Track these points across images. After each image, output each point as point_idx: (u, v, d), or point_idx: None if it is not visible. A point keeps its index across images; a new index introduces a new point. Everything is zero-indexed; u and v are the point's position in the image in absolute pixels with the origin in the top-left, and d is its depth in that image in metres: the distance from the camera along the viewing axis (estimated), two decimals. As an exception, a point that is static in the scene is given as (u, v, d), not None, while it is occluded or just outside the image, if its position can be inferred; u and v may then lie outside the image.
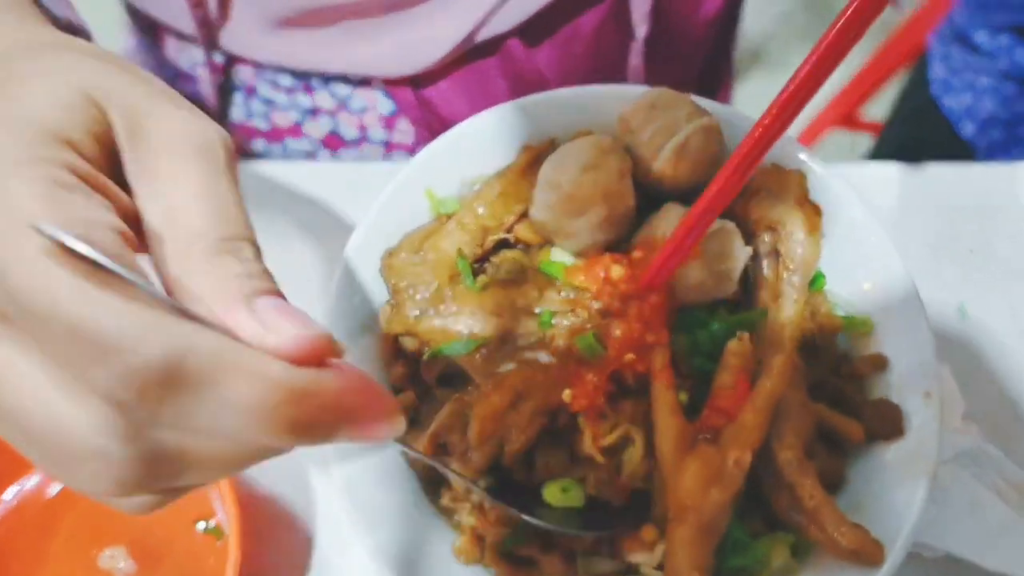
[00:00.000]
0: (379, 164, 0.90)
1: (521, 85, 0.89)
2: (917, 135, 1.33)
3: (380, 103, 0.90)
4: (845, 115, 1.82)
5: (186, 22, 0.84)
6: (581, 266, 0.62)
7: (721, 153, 0.64)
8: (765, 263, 0.64)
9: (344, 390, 0.30)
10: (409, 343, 0.64)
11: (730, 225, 0.63)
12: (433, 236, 0.65)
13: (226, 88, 0.93)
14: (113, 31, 0.98)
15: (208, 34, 0.85)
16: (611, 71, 0.94)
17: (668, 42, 0.95)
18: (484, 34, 0.83)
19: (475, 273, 0.65)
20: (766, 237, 0.64)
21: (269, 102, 0.92)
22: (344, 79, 0.89)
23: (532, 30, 0.85)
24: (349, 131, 0.93)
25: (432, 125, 0.91)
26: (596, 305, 0.60)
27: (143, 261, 0.33)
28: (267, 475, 0.72)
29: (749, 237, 0.64)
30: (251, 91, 0.92)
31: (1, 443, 0.34)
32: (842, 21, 0.44)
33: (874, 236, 0.65)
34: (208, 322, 0.30)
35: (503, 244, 0.66)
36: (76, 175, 0.31)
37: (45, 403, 0.30)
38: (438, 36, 0.82)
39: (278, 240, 0.82)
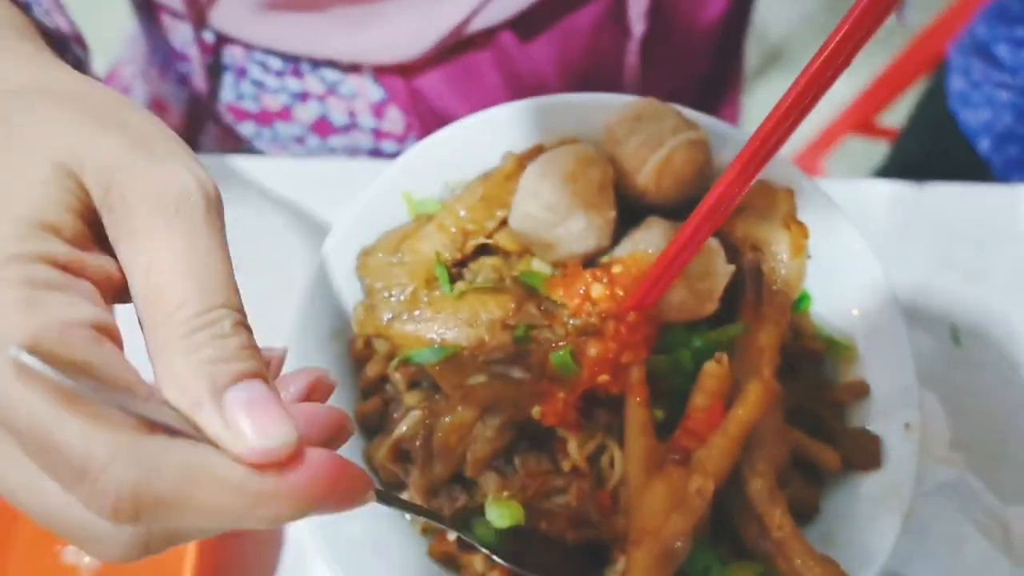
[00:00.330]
0: (367, 162, 0.88)
1: (514, 80, 0.87)
2: (931, 148, 1.30)
3: (370, 90, 0.89)
4: (862, 122, 1.78)
5: None
6: (561, 279, 0.61)
7: (707, 168, 0.62)
8: (748, 283, 0.62)
9: (310, 485, 0.31)
10: (380, 346, 0.63)
11: (713, 243, 0.61)
12: (411, 237, 0.64)
13: (216, 68, 0.92)
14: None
15: (197, 12, 0.84)
16: (607, 69, 0.92)
17: (667, 43, 0.93)
18: (476, 26, 0.81)
19: (453, 278, 0.63)
20: (750, 256, 0.62)
21: (259, 84, 0.91)
22: (333, 64, 0.88)
23: (526, 24, 0.83)
24: (338, 117, 0.92)
25: (422, 115, 0.90)
26: (574, 322, 0.59)
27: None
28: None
29: (733, 255, 0.63)
30: (241, 72, 0.91)
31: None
32: (839, 36, 0.42)
33: (863, 259, 0.63)
34: (176, 428, 0.30)
35: (483, 250, 0.65)
36: (56, 265, 0.30)
37: (40, 495, 0.31)
38: (427, 26, 0.80)
39: (262, 236, 0.81)
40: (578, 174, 0.59)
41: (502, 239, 0.64)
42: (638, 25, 0.88)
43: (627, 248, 0.61)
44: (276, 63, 0.89)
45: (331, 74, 0.89)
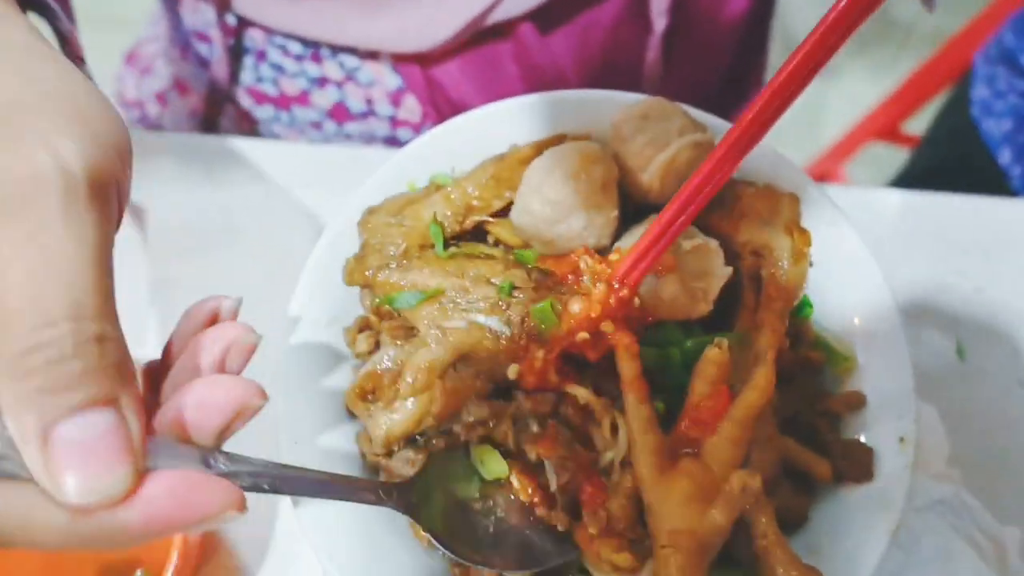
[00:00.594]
0: (377, 150, 0.89)
1: (533, 72, 0.87)
2: (952, 157, 1.28)
3: (388, 78, 0.89)
4: (885, 128, 1.76)
5: None
6: (553, 256, 0.60)
7: (712, 170, 0.62)
8: (746, 287, 0.62)
9: (144, 520, 0.30)
10: (367, 298, 0.62)
11: (713, 243, 0.61)
12: (416, 203, 0.63)
13: (237, 50, 0.92)
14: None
15: (220, -6, 0.85)
16: (627, 64, 0.92)
17: (689, 38, 0.92)
18: (495, 17, 0.81)
19: (447, 246, 0.63)
20: (750, 261, 0.62)
21: (278, 68, 0.92)
22: (352, 51, 0.88)
23: (546, 17, 0.83)
24: (356, 104, 0.92)
25: (439, 105, 0.90)
26: (597, 292, 0.58)
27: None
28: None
29: (734, 258, 0.62)
30: (261, 55, 0.92)
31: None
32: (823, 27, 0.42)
33: (866, 269, 0.62)
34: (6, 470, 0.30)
35: (477, 235, 0.64)
36: None
37: None
38: (447, 16, 0.81)
39: (269, 219, 0.82)
40: (582, 172, 0.59)
41: (503, 233, 0.64)
42: (660, 20, 0.87)
43: (627, 242, 0.61)
44: (296, 47, 0.89)
45: (350, 60, 0.89)
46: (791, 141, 2.02)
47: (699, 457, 0.54)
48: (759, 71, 1.13)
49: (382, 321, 0.60)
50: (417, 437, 0.60)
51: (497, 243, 0.65)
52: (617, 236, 0.62)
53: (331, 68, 0.90)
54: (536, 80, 0.88)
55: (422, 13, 0.80)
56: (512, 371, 0.56)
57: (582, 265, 0.58)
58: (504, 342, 0.56)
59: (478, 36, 0.84)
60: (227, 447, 0.37)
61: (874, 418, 0.61)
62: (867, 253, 0.62)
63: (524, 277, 0.58)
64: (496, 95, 0.74)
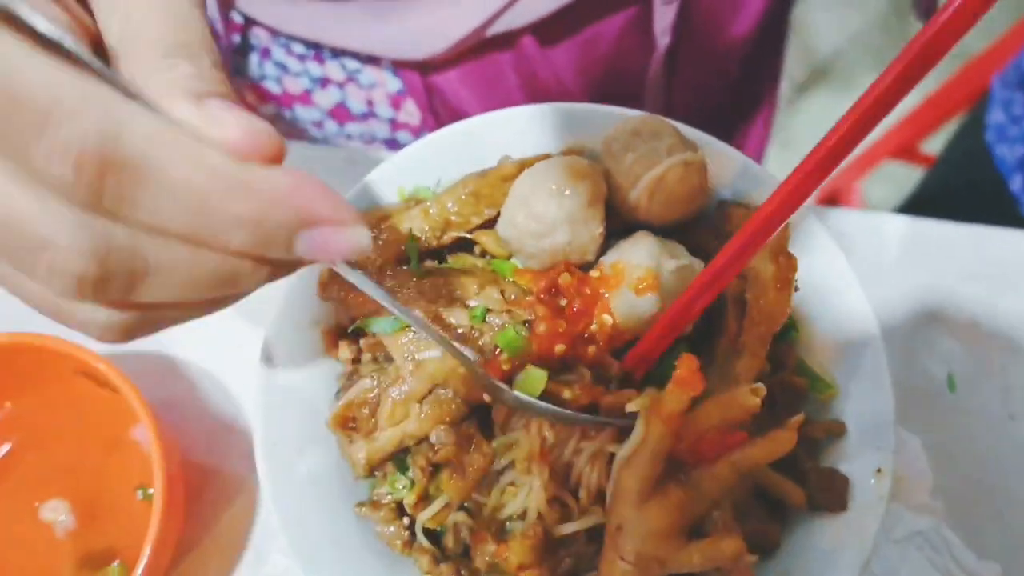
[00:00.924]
0: (373, 153, 0.89)
1: (533, 84, 0.87)
2: (963, 180, 1.26)
3: (388, 81, 0.89)
4: (902, 146, 1.74)
5: None
6: (531, 272, 0.60)
7: (701, 190, 0.61)
8: (730, 310, 0.61)
9: (294, 187, 0.30)
10: (343, 315, 0.63)
11: (698, 264, 0.60)
12: (394, 217, 0.63)
13: (243, 47, 0.93)
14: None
15: (225, -8, 0.86)
16: (629, 80, 0.91)
17: (693, 56, 0.92)
18: (497, 28, 0.81)
19: (422, 261, 0.63)
20: (734, 284, 0.61)
21: (282, 66, 0.92)
22: (354, 54, 0.88)
23: (548, 29, 0.83)
24: (357, 105, 0.92)
25: (438, 111, 0.90)
26: (539, 311, 0.58)
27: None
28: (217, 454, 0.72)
29: (719, 280, 0.62)
30: (266, 53, 0.92)
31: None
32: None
33: (854, 297, 0.62)
34: (153, 106, 0.30)
35: (462, 244, 0.65)
36: None
37: (21, 284, 0.31)
38: (448, 25, 0.80)
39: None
40: (568, 187, 0.59)
41: (489, 243, 0.64)
42: (663, 37, 0.87)
43: (612, 258, 0.61)
44: (299, 47, 0.90)
45: (351, 62, 0.89)
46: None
47: (687, 484, 0.53)
48: (769, 93, 1.12)
49: (361, 339, 0.61)
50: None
51: (484, 253, 0.65)
52: (602, 252, 0.62)
53: (333, 69, 0.90)
54: (537, 91, 0.88)
55: (424, 22, 0.80)
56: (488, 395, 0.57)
57: (561, 281, 0.58)
58: (478, 367, 0.56)
59: (480, 45, 0.84)
60: None
61: (853, 447, 0.60)
62: (855, 281, 0.62)
63: (499, 299, 0.58)
64: (495, 104, 0.74)
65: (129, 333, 0.34)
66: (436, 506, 0.58)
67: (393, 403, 0.57)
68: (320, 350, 0.63)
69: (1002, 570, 0.67)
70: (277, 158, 0.30)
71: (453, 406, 0.57)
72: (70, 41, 0.28)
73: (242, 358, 0.73)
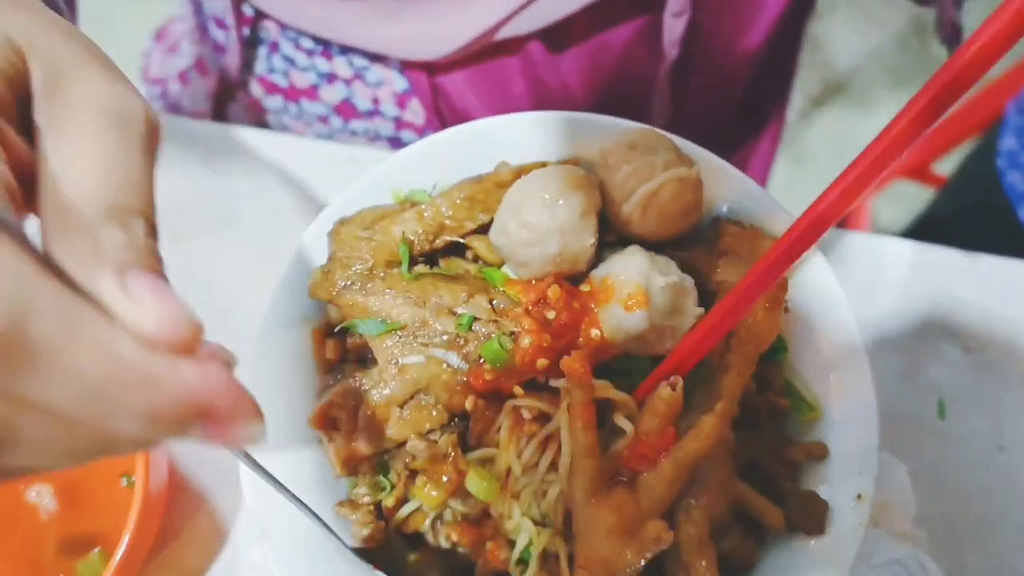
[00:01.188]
0: (376, 151, 0.89)
1: (539, 90, 0.87)
2: (973, 206, 1.26)
3: (395, 80, 0.90)
4: (915, 166, 1.73)
5: None
6: (522, 282, 0.61)
7: (695, 206, 0.61)
8: (719, 328, 0.61)
9: (199, 382, 0.29)
10: (333, 313, 0.63)
11: (688, 281, 0.60)
12: (388, 218, 0.63)
13: (253, 40, 0.93)
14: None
15: (236, -16, 0.86)
16: (636, 90, 0.91)
17: (701, 69, 0.92)
18: (505, 33, 0.81)
19: (415, 264, 0.63)
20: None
21: (290, 60, 0.92)
22: (362, 51, 0.88)
23: (557, 36, 0.83)
24: (362, 102, 0.93)
25: (442, 112, 0.90)
26: (525, 323, 0.58)
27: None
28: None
29: (709, 296, 0.62)
30: (275, 47, 0.92)
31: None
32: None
33: (843, 321, 0.61)
34: (69, 282, 0.28)
35: (455, 248, 0.65)
36: None
37: None
38: (456, 28, 0.80)
39: (265, 213, 0.82)
40: (562, 197, 0.59)
41: (482, 249, 0.64)
42: (672, 49, 0.86)
43: (603, 272, 0.61)
44: (307, 42, 0.90)
45: (359, 60, 0.89)
46: (821, 171, 2.00)
47: (634, 489, 0.54)
48: (779, 109, 1.12)
49: (347, 337, 0.61)
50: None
51: (476, 258, 0.65)
52: (594, 264, 0.62)
53: (340, 65, 0.91)
54: (542, 98, 0.88)
55: (432, 24, 0.80)
56: (469, 403, 0.57)
57: (550, 294, 0.58)
58: (461, 376, 0.56)
59: (487, 49, 0.84)
60: None
61: (834, 472, 0.60)
62: (846, 304, 0.61)
63: (487, 308, 0.58)
64: (501, 109, 0.74)
65: None
66: (408, 508, 0.58)
67: (374, 406, 0.57)
68: (308, 348, 0.63)
69: (981, 602, 0.66)
70: (191, 346, 0.29)
71: (434, 412, 0.58)
72: None
73: (234, 352, 0.73)
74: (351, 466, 0.59)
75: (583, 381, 0.56)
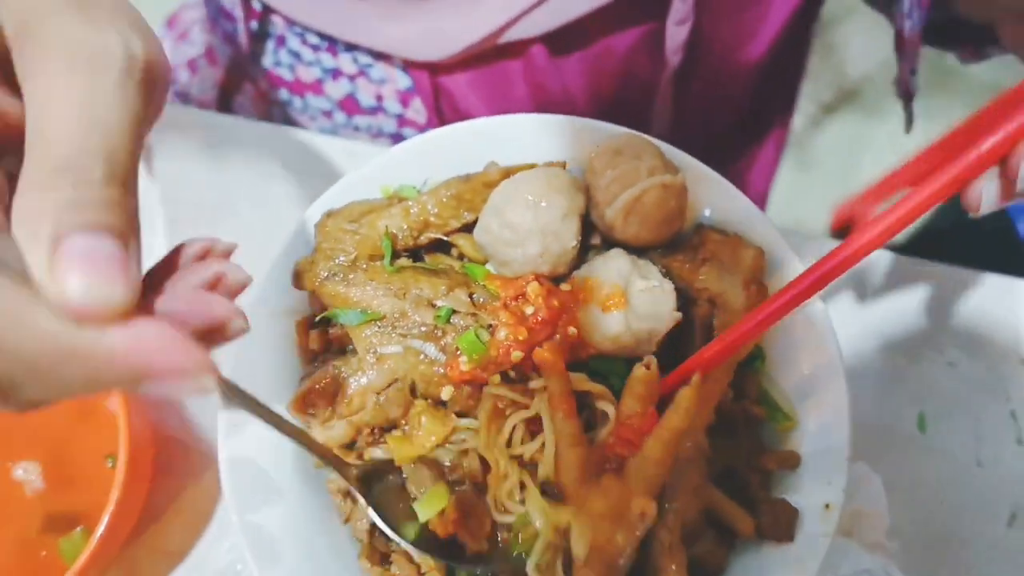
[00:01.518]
0: (375, 147, 0.90)
1: (541, 93, 0.88)
2: (972, 220, 1.25)
3: (399, 78, 0.91)
4: (923, 176, 1.72)
5: None
6: (502, 278, 0.61)
7: (678, 214, 0.62)
8: (698, 334, 0.62)
9: (130, 346, 0.30)
10: (315, 302, 0.64)
11: (668, 286, 0.61)
12: (375, 212, 0.64)
13: (260, 33, 0.95)
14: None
15: (243, -22, 0.87)
16: (638, 96, 0.92)
17: (703, 77, 0.92)
18: (509, 36, 0.82)
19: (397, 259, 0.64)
20: (703, 309, 0.62)
21: (296, 55, 0.94)
22: (367, 49, 0.89)
23: (560, 40, 0.84)
24: (366, 98, 0.94)
25: (443, 112, 0.91)
26: (502, 317, 0.59)
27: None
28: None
29: (689, 303, 0.62)
30: (281, 41, 0.94)
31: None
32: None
33: (823, 333, 0.62)
34: (11, 238, 0.30)
35: (441, 245, 0.66)
36: None
37: None
38: (461, 30, 0.81)
39: (263, 204, 0.83)
40: (545, 199, 0.60)
41: (466, 246, 0.65)
42: (674, 57, 0.87)
43: (584, 272, 0.61)
44: (314, 37, 0.91)
45: (364, 57, 0.91)
46: (828, 177, 1.99)
47: (622, 474, 0.55)
48: (783, 114, 1.12)
49: (329, 328, 0.62)
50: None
51: (461, 256, 0.66)
52: (577, 266, 0.63)
53: (345, 62, 0.92)
54: (544, 101, 0.89)
55: (437, 25, 0.81)
56: (446, 393, 0.57)
57: (529, 291, 0.59)
58: (438, 367, 0.57)
59: (491, 52, 0.84)
60: None
61: (806, 481, 0.61)
62: (827, 316, 0.62)
63: (466, 301, 0.59)
64: (502, 111, 0.74)
65: None
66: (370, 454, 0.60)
67: (352, 393, 0.58)
68: (293, 339, 0.64)
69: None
70: (125, 312, 0.30)
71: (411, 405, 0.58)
72: None
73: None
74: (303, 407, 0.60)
75: (556, 369, 0.56)
